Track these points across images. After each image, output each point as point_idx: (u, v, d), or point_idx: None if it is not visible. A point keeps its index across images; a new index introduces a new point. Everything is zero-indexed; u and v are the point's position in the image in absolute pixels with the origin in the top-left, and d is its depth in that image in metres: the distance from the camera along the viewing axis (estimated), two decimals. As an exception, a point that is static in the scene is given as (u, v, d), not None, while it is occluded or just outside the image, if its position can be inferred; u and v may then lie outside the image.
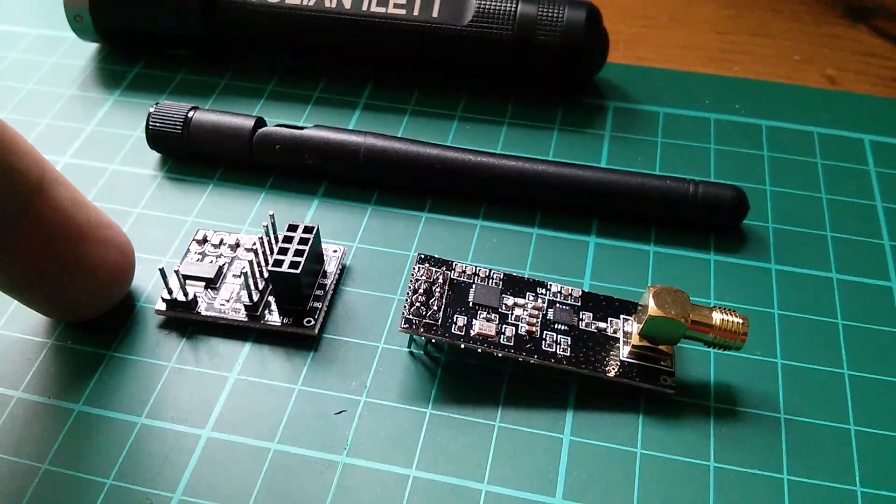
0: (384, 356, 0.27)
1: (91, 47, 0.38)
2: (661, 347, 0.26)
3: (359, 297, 0.28)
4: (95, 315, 0.26)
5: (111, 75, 0.37)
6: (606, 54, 0.35)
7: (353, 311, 0.28)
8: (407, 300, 0.26)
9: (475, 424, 0.25)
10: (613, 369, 0.25)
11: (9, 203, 0.22)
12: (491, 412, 0.25)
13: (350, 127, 0.34)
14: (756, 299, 0.28)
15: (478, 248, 0.30)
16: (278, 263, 0.26)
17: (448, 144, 0.32)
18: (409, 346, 0.27)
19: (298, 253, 0.26)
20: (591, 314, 0.27)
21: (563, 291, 0.27)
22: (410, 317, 0.25)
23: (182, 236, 0.30)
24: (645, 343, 0.25)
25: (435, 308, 0.26)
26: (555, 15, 0.34)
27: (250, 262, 0.27)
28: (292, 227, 0.27)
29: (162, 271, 0.26)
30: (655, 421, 0.25)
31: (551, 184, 0.31)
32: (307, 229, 0.27)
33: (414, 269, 0.27)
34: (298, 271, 0.26)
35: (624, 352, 0.26)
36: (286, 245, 0.26)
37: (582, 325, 0.26)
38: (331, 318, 0.27)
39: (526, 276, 0.27)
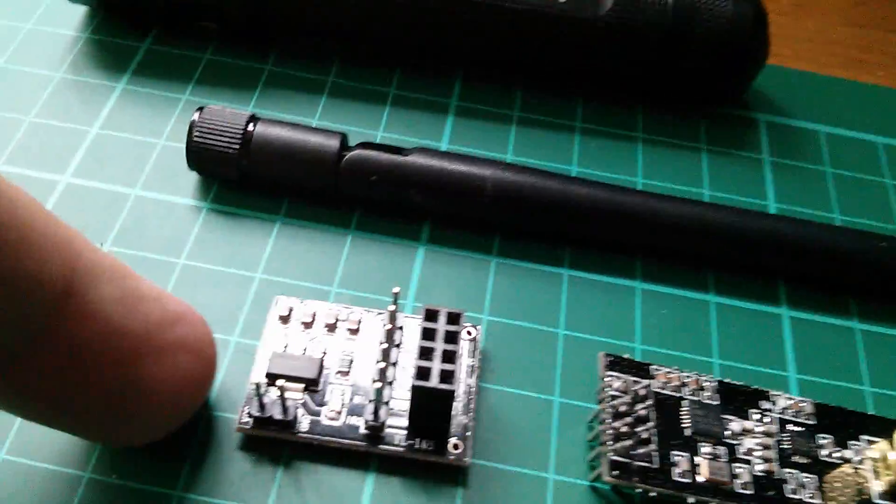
0: (559, 493, 0.20)
1: (78, 11, 0.29)
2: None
3: (505, 399, 0.21)
4: (156, 439, 0.19)
5: (112, 52, 0.28)
6: (768, 55, 0.29)
7: (503, 424, 0.21)
8: (606, 430, 0.19)
9: None
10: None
11: (16, 328, 0.14)
12: (716, 580, 0.19)
13: (444, 141, 0.27)
14: None
15: (645, 323, 0.23)
16: (424, 374, 0.19)
17: (599, 182, 0.25)
18: (590, 479, 0.20)
19: (448, 357, 0.19)
20: (831, 436, 0.20)
21: (791, 406, 0.21)
22: (621, 459, 0.18)
23: (251, 303, 0.22)
24: (904, 479, 0.20)
25: (643, 440, 0.19)
26: (719, 3, 0.27)
27: (381, 371, 0.20)
28: (431, 315, 0.20)
29: (256, 386, 0.19)
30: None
31: (731, 238, 0.24)
32: (452, 318, 0.20)
33: (604, 379, 0.20)
34: (454, 388, 0.19)
35: (876, 489, 0.20)
36: (428, 343, 0.19)
37: (823, 455, 0.20)
38: (477, 433, 0.20)
39: (741, 386, 0.21)
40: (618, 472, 0.19)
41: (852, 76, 0.32)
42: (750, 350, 0.23)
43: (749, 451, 0.20)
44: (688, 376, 0.21)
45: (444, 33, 0.28)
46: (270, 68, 0.28)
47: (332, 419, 0.20)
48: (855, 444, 0.21)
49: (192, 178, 0.25)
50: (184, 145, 0.24)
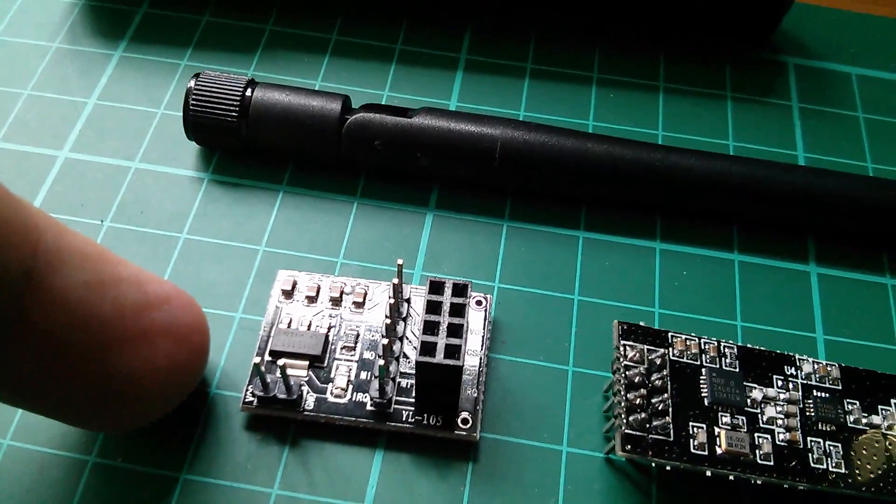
0: (572, 466, 0.20)
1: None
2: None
3: (517, 370, 0.21)
4: (144, 425, 0.19)
5: (108, 18, 0.28)
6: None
7: (515, 396, 0.21)
8: (620, 401, 0.19)
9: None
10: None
11: None
12: (737, 553, 0.19)
13: (453, 99, 0.26)
14: None
15: (665, 286, 0.23)
16: (429, 350, 0.18)
17: (617, 137, 0.24)
18: (605, 452, 0.20)
19: (454, 331, 0.19)
20: (857, 401, 0.20)
21: (817, 370, 0.20)
22: (635, 433, 0.18)
23: (255, 277, 0.22)
24: (939, 447, 0.19)
25: (659, 411, 0.19)
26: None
27: (385, 347, 0.19)
28: (436, 287, 0.19)
29: (256, 366, 0.19)
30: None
31: (757, 193, 0.23)
32: (458, 289, 0.19)
33: (620, 348, 0.19)
34: (461, 363, 0.18)
35: (908, 456, 0.19)
36: (433, 317, 0.19)
37: (850, 421, 0.19)
38: (487, 406, 0.20)
39: (765, 351, 0.20)
40: (631, 446, 0.18)
41: (886, 13, 0.31)
42: (776, 311, 0.23)
43: (771, 421, 0.19)
44: (707, 342, 0.20)
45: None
46: (271, 28, 0.28)
47: (338, 396, 0.20)
48: (885, 409, 0.20)
49: (192, 148, 0.25)
50: (179, 113, 0.24)
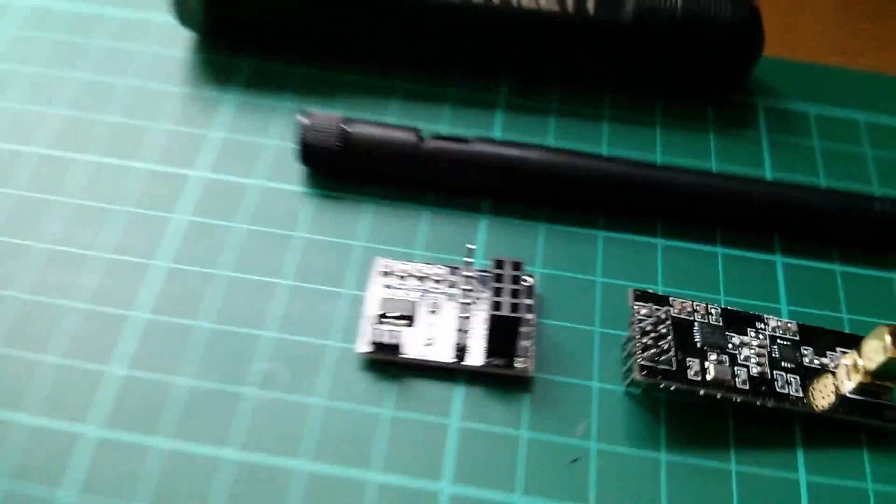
0: (602, 397, 0.27)
1: (183, 35, 0.37)
2: (885, 383, 0.27)
3: (559, 330, 0.29)
4: None
5: (219, 69, 0.35)
6: (762, 49, 0.36)
7: (557, 347, 0.28)
8: (636, 343, 0.26)
9: (712, 471, 0.26)
10: (840, 407, 0.26)
11: None
12: (724, 455, 0.26)
13: (496, 132, 0.34)
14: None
15: (665, 272, 0.30)
16: (497, 306, 0.26)
17: (625, 159, 0.32)
18: (626, 386, 0.27)
19: (515, 293, 0.26)
20: (812, 349, 0.27)
21: (780, 325, 0.28)
22: (647, 363, 0.26)
23: (357, 264, 0.30)
24: (870, 380, 0.26)
25: (665, 350, 0.26)
26: (719, 9, 0.34)
27: (463, 305, 0.27)
28: (499, 263, 0.27)
29: (371, 320, 0.26)
30: (881, 456, 0.26)
31: (735, 201, 0.31)
32: (515, 265, 0.27)
33: (634, 307, 0.27)
34: (520, 315, 0.26)
35: (847, 388, 0.27)
36: (499, 284, 0.26)
37: (806, 362, 0.27)
38: (537, 353, 0.28)
39: (741, 311, 0.28)
40: (645, 372, 0.26)
41: (840, 62, 0.39)
42: (750, 290, 0.30)
43: (746, 359, 0.27)
44: (698, 304, 0.28)
45: (500, 45, 0.35)
46: (351, 77, 0.36)
47: (428, 345, 0.27)
48: (832, 354, 0.28)
49: (301, 170, 0.32)
50: (290, 144, 0.32)
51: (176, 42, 0.36)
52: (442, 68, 0.36)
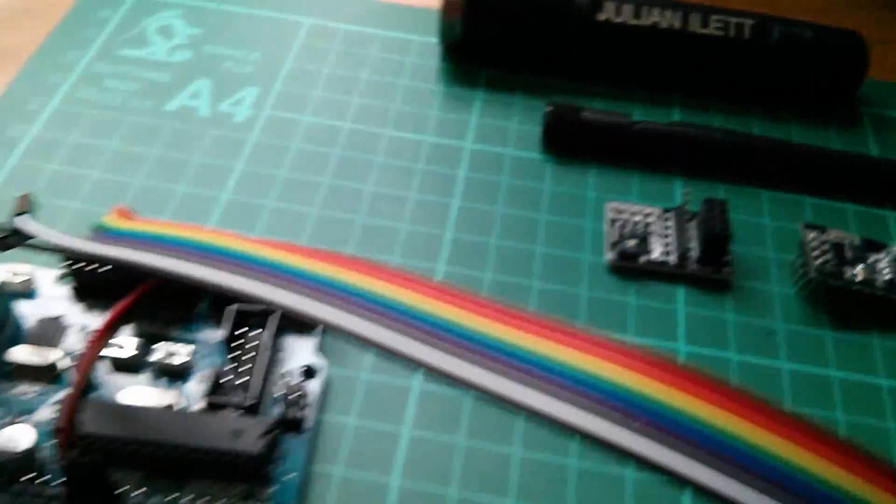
0: (783, 301, 0.39)
1: (435, 50, 0.49)
2: None
3: (748, 257, 0.41)
4: None
5: (467, 74, 0.48)
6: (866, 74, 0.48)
7: (747, 261, 0.40)
8: (810, 257, 0.38)
9: None
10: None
11: None
12: (871, 336, 0.38)
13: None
14: None
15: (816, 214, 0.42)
16: (711, 228, 0.38)
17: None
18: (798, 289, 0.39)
19: (723, 221, 0.38)
20: None
21: None
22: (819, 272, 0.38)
23: (591, 208, 0.42)
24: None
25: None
26: (838, 38, 0.46)
27: (680, 228, 0.39)
28: (709, 202, 0.39)
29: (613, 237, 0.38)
30: None
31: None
32: (720, 204, 0.39)
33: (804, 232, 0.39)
34: (727, 234, 0.38)
35: None
36: (709, 214, 0.39)
37: None
38: (735, 269, 0.39)
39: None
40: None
41: None
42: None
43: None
44: (846, 235, 0.40)
45: (666, 61, 0.47)
46: (558, 84, 0.48)
47: (662, 256, 0.39)
48: None
49: (538, 145, 0.45)
50: (527, 126, 0.44)
51: (433, 55, 0.49)
52: (628, 81, 0.49)
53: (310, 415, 0.32)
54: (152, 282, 0.27)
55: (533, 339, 0.21)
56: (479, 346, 0.21)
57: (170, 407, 0.31)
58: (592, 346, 0.21)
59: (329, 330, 0.22)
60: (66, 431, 0.26)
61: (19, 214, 0.30)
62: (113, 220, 0.29)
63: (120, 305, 0.26)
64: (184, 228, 0.26)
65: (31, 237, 0.29)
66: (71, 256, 0.32)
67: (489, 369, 0.20)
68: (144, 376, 0.32)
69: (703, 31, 0.46)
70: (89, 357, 0.25)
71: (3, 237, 0.29)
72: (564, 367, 0.20)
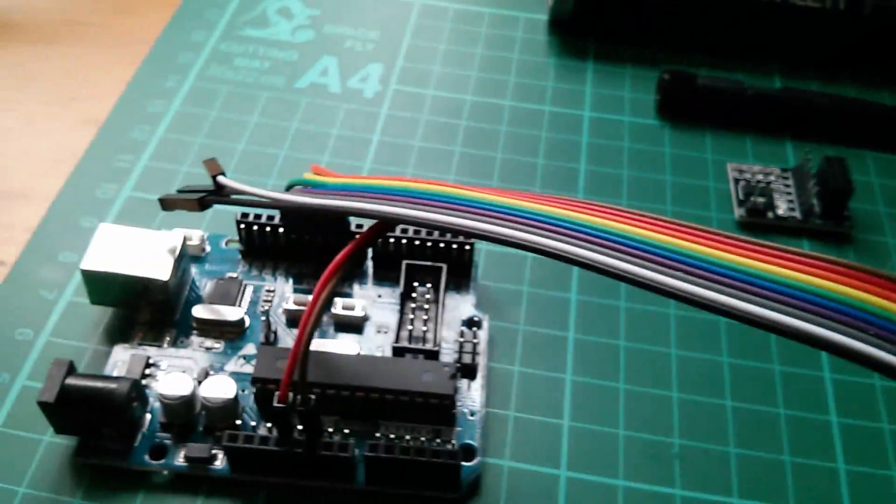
0: None
1: (542, 25, 0.51)
2: None
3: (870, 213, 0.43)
4: None
5: (575, 47, 0.50)
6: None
7: (863, 217, 0.42)
8: None
9: None
10: None
11: None
12: None
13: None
14: None
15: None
16: (829, 183, 0.40)
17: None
18: None
19: (843, 176, 0.41)
20: None
21: None
22: None
23: (711, 169, 0.44)
24: None
25: None
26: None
27: (800, 186, 0.41)
28: (829, 160, 0.41)
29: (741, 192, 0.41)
30: None
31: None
32: (840, 161, 0.41)
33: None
34: (850, 188, 0.40)
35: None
36: (829, 171, 0.41)
37: None
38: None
39: None
40: None
41: None
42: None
43: None
44: None
45: (766, 31, 0.49)
46: (665, 55, 0.51)
47: (787, 212, 0.42)
48: None
49: (652, 111, 0.47)
50: (637, 94, 0.46)
51: (540, 30, 0.52)
52: (729, 51, 0.50)
53: (481, 362, 0.34)
54: (368, 233, 0.29)
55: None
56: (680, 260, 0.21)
57: (360, 355, 0.33)
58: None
59: (543, 254, 0.23)
60: (296, 383, 0.28)
61: (216, 175, 0.32)
62: (312, 177, 0.31)
63: (336, 261, 0.28)
64: (387, 179, 0.28)
65: (234, 193, 0.31)
66: (282, 210, 0.34)
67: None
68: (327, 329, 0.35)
69: (801, 2, 0.48)
70: (312, 313, 0.27)
71: (204, 196, 0.31)
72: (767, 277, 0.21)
